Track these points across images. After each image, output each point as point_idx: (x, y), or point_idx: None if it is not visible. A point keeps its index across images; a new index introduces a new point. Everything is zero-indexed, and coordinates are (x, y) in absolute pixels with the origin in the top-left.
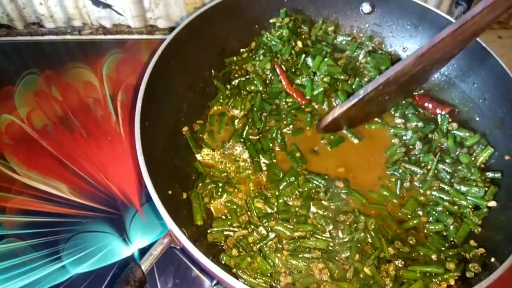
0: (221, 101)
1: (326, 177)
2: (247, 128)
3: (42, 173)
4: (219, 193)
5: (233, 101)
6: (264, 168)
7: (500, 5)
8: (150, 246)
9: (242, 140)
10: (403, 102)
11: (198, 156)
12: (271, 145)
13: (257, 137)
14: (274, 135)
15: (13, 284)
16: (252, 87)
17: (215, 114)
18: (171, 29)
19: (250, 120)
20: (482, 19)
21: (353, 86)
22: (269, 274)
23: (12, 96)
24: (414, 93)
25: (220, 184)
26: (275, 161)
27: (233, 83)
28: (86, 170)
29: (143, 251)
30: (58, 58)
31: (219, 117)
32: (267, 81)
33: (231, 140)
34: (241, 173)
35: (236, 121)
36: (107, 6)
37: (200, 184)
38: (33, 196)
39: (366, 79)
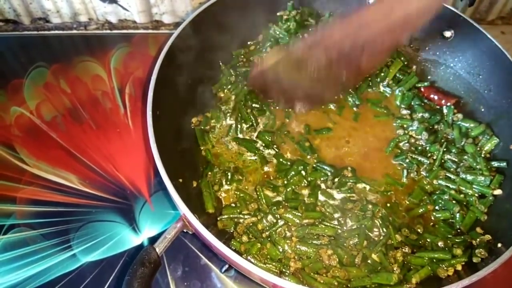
0: (224, 86)
1: (334, 166)
2: (239, 126)
3: (51, 164)
4: (228, 182)
5: (235, 88)
6: (272, 160)
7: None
8: (159, 235)
9: (237, 140)
10: (406, 93)
11: (204, 149)
12: (269, 138)
13: (255, 133)
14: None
15: (24, 272)
16: None
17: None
18: (177, 24)
19: (239, 117)
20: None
21: None
22: (278, 260)
23: (21, 89)
24: (419, 85)
25: (229, 174)
26: (279, 151)
27: (238, 70)
28: (96, 161)
29: (153, 240)
30: (65, 52)
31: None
32: None
33: (228, 137)
34: (248, 167)
35: (227, 116)
36: (113, 1)
37: (209, 173)
38: (43, 187)
39: None
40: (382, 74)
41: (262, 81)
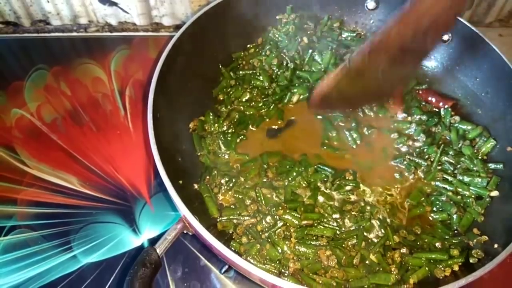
0: (225, 89)
1: (335, 168)
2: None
3: (52, 165)
4: (229, 186)
5: (235, 91)
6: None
7: None
8: (159, 236)
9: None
10: (406, 97)
11: (201, 154)
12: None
13: None
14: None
15: (25, 273)
16: (258, 82)
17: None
18: (177, 27)
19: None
20: None
21: None
22: (277, 260)
23: (22, 91)
24: (417, 87)
25: (227, 178)
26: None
27: (238, 73)
28: (96, 163)
29: (153, 241)
30: (65, 54)
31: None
32: (274, 77)
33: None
34: (248, 170)
35: (221, 120)
36: (113, 4)
37: (207, 177)
38: (43, 188)
39: None
40: None
41: (326, 102)
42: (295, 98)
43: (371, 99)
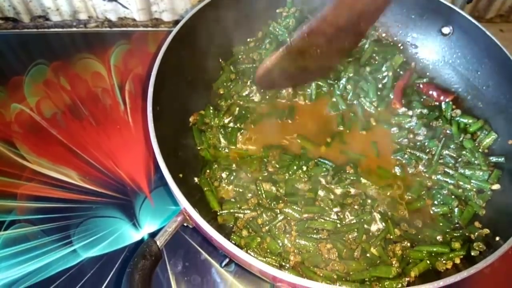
0: (225, 84)
1: (335, 162)
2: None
3: (52, 160)
4: (229, 180)
5: (236, 85)
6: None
7: None
8: (159, 230)
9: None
10: (407, 91)
11: (201, 148)
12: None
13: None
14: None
15: (25, 267)
16: None
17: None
18: (176, 22)
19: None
20: None
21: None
22: (278, 254)
23: (21, 86)
24: (418, 81)
25: (228, 172)
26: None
27: (239, 67)
28: (96, 157)
29: (153, 235)
30: (65, 49)
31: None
32: None
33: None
34: (249, 168)
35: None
36: None
37: (208, 171)
38: (43, 183)
39: (369, 68)
40: (384, 69)
41: (269, 78)
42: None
43: (311, 75)
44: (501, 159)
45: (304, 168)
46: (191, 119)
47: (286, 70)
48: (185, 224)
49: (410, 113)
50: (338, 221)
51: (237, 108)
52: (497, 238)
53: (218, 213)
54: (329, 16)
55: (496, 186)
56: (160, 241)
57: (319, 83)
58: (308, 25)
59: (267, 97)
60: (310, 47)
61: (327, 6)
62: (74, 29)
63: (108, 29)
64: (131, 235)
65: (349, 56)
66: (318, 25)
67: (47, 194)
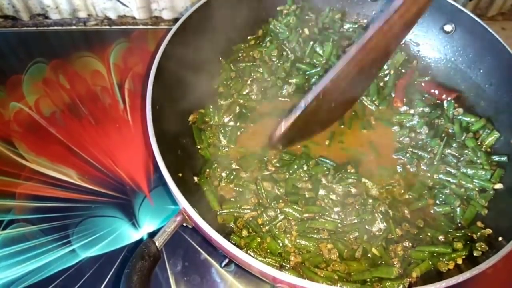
0: (225, 82)
1: (336, 161)
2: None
3: (51, 159)
4: (229, 179)
5: (235, 83)
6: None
7: None
8: (159, 230)
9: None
10: (408, 89)
11: (201, 147)
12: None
13: None
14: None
15: (23, 267)
16: (258, 74)
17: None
18: (176, 20)
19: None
20: (407, 11)
21: None
22: (278, 254)
23: (20, 84)
24: (420, 79)
25: (228, 171)
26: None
27: (239, 65)
28: (95, 156)
29: (152, 235)
30: (64, 48)
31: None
32: (273, 68)
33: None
34: (249, 167)
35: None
36: None
37: (207, 170)
38: (42, 182)
39: None
40: (385, 67)
41: (287, 140)
42: (291, 89)
43: (330, 122)
44: (504, 158)
45: (305, 167)
46: (190, 118)
47: (300, 128)
48: (184, 224)
49: (412, 111)
50: (339, 221)
51: (237, 107)
52: (500, 239)
53: (218, 213)
54: (341, 72)
55: (498, 186)
56: (159, 241)
57: None
58: (322, 86)
59: (268, 96)
60: (325, 104)
61: (339, 62)
62: (74, 27)
63: (107, 27)
64: (130, 234)
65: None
66: (332, 83)
67: (46, 194)
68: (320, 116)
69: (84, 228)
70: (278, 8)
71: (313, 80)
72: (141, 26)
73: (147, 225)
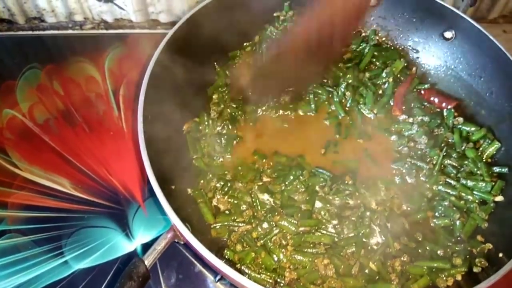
0: (220, 89)
1: (333, 172)
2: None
3: (44, 168)
4: (224, 191)
5: (230, 91)
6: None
7: None
8: (153, 241)
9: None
10: (407, 97)
11: (196, 158)
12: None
13: None
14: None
15: (15, 279)
16: None
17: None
18: (173, 23)
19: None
20: None
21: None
22: (273, 269)
23: (14, 90)
24: (419, 87)
25: (222, 182)
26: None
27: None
28: (89, 165)
29: (146, 246)
30: (59, 52)
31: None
32: None
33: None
34: (244, 177)
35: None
36: (109, 0)
37: (201, 181)
38: (35, 191)
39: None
40: (384, 75)
41: (257, 88)
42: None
43: (306, 81)
44: (505, 170)
45: (301, 178)
46: (185, 127)
47: (269, 75)
48: (176, 241)
49: (411, 120)
50: (335, 235)
51: (228, 110)
52: (500, 255)
53: (212, 226)
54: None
55: (499, 198)
56: (148, 260)
57: (318, 91)
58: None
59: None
60: (289, 58)
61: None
62: (70, 31)
63: (104, 30)
64: (124, 246)
65: (347, 62)
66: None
67: (39, 203)
68: (283, 71)
69: (77, 239)
70: (274, 14)
71: (309, 87)
72: (137, 30)
73: (140, 236)
